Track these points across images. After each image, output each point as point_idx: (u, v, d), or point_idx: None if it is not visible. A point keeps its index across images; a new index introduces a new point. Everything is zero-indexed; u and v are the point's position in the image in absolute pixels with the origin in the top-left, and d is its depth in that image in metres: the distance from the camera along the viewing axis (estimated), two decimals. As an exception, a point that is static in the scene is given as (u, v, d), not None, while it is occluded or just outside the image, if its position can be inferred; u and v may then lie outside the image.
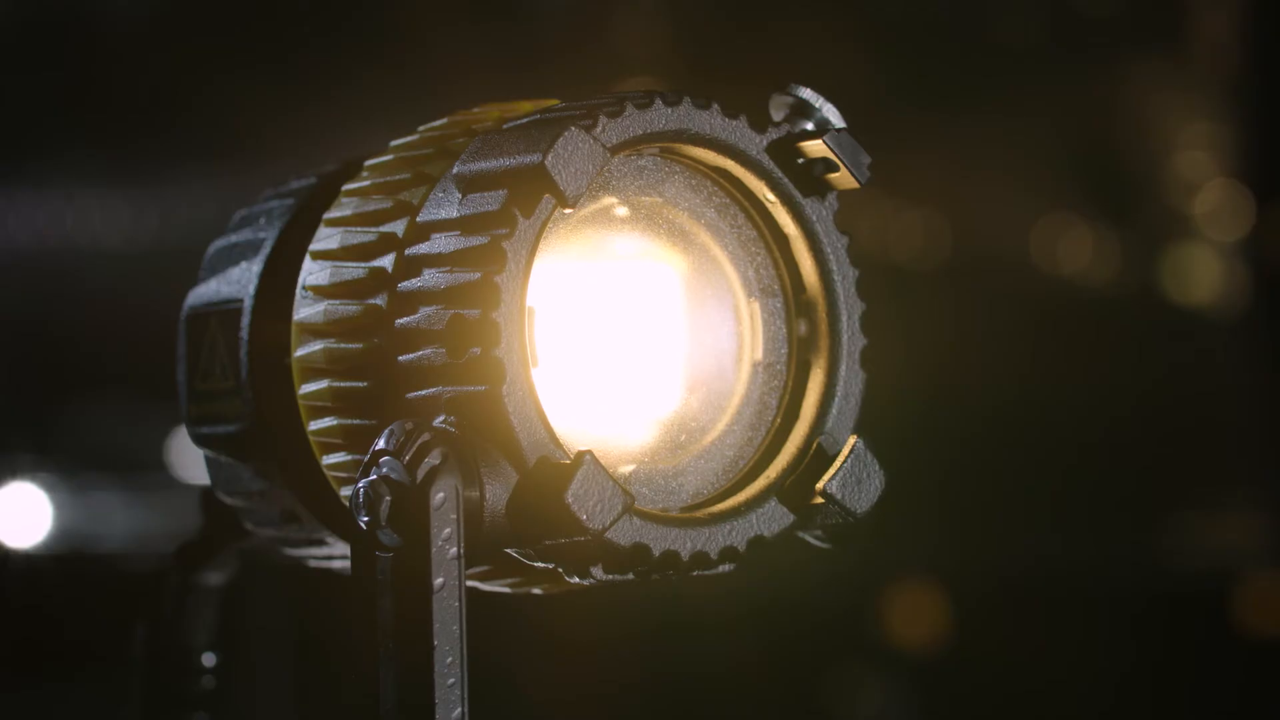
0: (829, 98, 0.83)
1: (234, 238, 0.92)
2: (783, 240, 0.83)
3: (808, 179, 0.82)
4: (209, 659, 1.04)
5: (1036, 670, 2.57)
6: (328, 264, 0.83)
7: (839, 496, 0.81)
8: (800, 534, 0.83)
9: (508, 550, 0.79)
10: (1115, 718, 2.54)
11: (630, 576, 0.79)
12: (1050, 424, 2.64)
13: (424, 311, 0.77)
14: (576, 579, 0.80)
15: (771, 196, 0.82)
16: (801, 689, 2.63)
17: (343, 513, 0.81)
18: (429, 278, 0.78)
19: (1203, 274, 2.67)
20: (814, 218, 0.83)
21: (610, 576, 0.79)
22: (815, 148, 0.82)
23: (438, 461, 0.74)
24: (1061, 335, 2.66)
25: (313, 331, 0.83)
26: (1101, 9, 2.70)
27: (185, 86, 2.56)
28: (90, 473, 2.54)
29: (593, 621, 2.52)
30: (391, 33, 2.59)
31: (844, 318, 0.83)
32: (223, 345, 0.90)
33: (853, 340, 0.83)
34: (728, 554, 0.80)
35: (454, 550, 0.74)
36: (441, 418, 0.76)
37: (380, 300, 0.80)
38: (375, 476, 0.75)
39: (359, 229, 0.82)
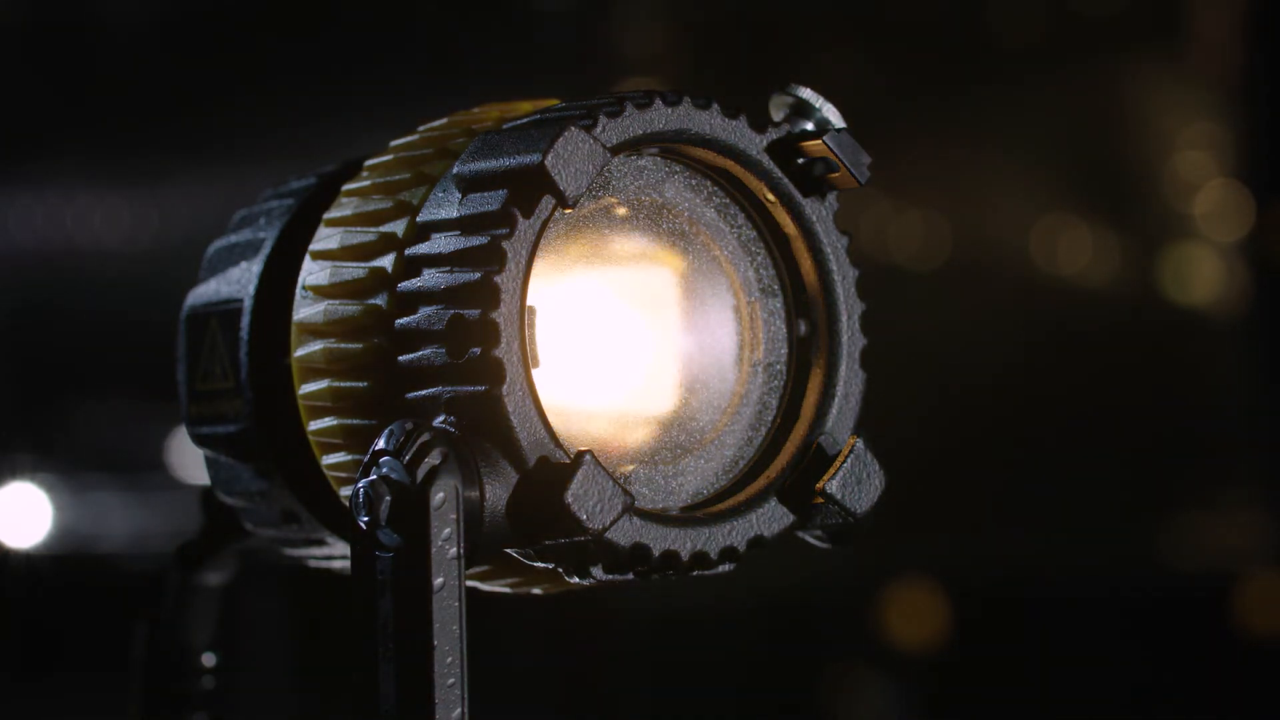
0: (829, 98, 0.83)
1: (234, 238, 0.92)
2: (783, 240, 0.83)
3: (808, 179, 0.82)
4: (209, 659, 1.04)
5: (1036, 670, 2.57)
6: (328, 264, 0.83)
7: (839, 496, 0.81)
8: (800, 534, 0.83)
9: (508, 550, 0.79)
10: (1115, 718, 2.54)
11: (630, 576, 0.79)
12: (1050, 424, 2.64)
13: (424, 311, 0.77)
14: (576, 579, 0.80)
15: (771, 196, 0.82)
16: (801, 689, 2.63)
17: (343, 513, 0.81)
18: (429, 278, 0.78)
19: (1203, 274, 2.67)
20: (814, 218, 0.83)
21: (610, 576, 0.79)
22: (815, 147, 0.82)
23: (438, 461, 0.74)
24: (1061, 335, 2.66)
25: (313, 331, 0.83)
26: (1101, 9, 2.70)
27: (185, 87, 2.56)
28: (90, 473, 2.54)
29: (593, 621, 2.52)
30: (392, 32, 2.59)
31: (844, 318, 0.83)
32: (223, 345, 0.90)
33: (853, 340, 0.83)
34: (728, 554, 0.80)
35: (454, 550, 0.74)
36: (441, 418, 0.76)
37: (380, 300, 0.80)
38: (375, 476, 0.75)
39: (359, 229, 0.82)
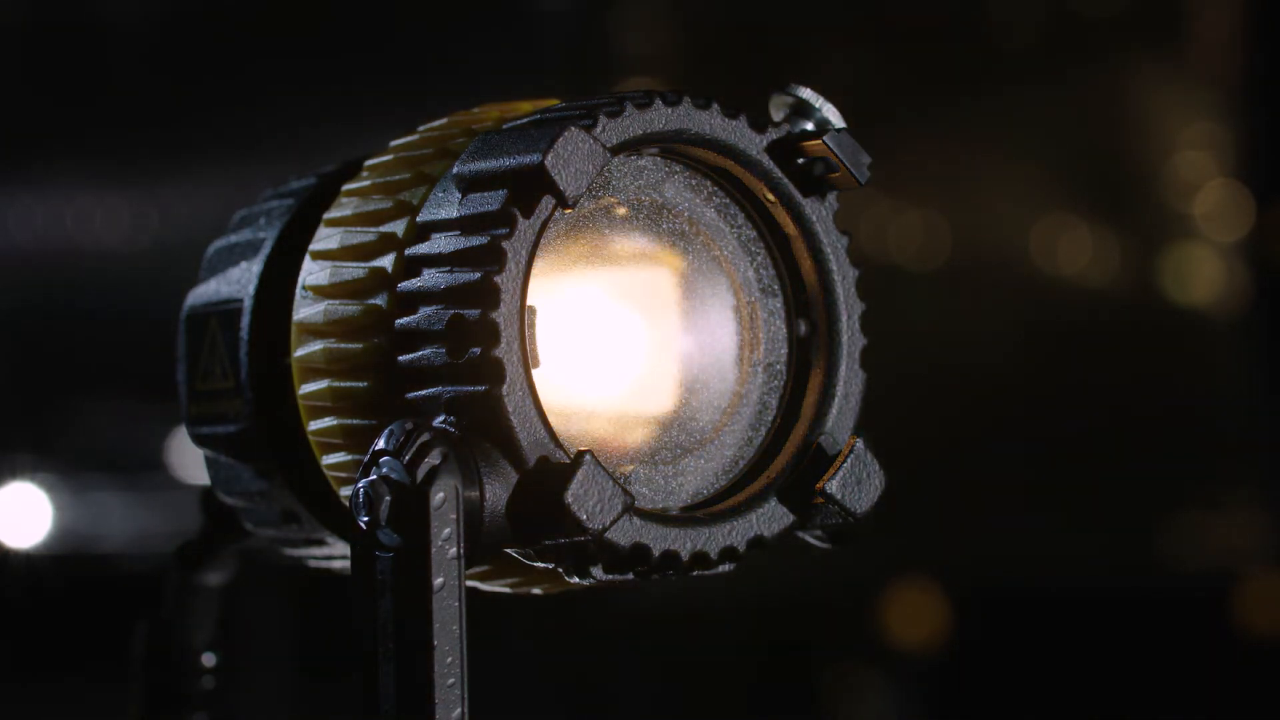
0: (829, 98, 0.83)
1: (234, 238, 0.92)
2: (783, 240, 0.83)
3: (807, 179, 0.82)
4: (209, 659, 1.04)
5: (1036, 670, 2.57)
6: (328, 264, 0.83)
7: (839, 496, 0.81)
8: (800, 534, 0.83)
9: (508, 550, 0.79)
10: (1116, 718, 2.54)
11: (630, 577, 0.79)
12: (1050, 424, 2.64)
13: (424, 311, 0.77)
14: (576, 579, 0.79)
15: (771, 197, 0.82)
16: (801, 689, 2.63)
17: (343, 513, 0.81)
18: (429, 278, 0.78)
19: (1203, 274, 2.67)
20: (814, 218, 0.83)
21: (610, 577, 0.79)
22: (815, 147, 0.81)
23: (438, 461, 0.74)
24: (1061, 335, 2.66)
25: (313, 331, 0.83)
26: (1101, 9, 2.70)
27: (185, 87, 2.56)
28: (90, 473, 2.54)
29: (593, 621, 2.52)
30: (392, 33, 2.59)
31: (844, 318, 0.83)
32: (223, 345, 0.90)
33: (852, 340, 0.83)
34: (728, 554, 0.80)
35: (454, 550, 0.74)
36: (441, 418, 0.76)
37: (380, 300, 0.80)
38: (375, 476, 0.75)
39: (359, 229, 0.82)
